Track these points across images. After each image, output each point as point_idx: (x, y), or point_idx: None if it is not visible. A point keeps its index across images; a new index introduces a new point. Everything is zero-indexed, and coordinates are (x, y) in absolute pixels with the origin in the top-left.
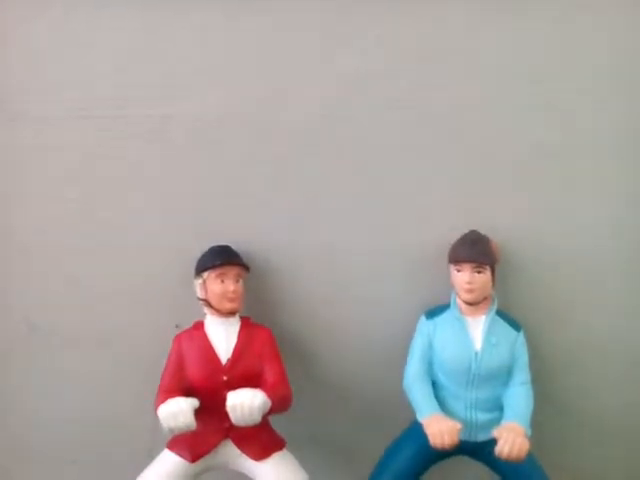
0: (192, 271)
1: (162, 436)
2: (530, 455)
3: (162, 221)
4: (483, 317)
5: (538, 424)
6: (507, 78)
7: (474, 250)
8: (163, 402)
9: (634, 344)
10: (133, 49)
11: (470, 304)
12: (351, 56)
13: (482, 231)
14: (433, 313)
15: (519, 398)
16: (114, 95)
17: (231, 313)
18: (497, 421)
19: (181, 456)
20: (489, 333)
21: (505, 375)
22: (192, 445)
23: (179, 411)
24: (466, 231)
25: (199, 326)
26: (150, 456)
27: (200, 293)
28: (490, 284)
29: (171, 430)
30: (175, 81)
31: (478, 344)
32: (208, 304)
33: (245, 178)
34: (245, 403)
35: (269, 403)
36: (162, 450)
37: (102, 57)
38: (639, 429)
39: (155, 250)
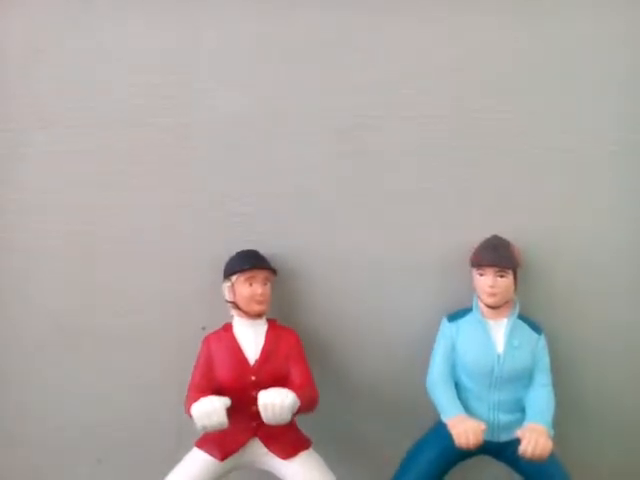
0: (218, 275)
1: (188, 436)
2: (552, 455)
3: (190, 230)
4: (505, 320)
5: (559, 424)
6: (523, 82)
7: (497, 255)
8: (195, 401)
9: None
10: (149, 54)
11: (492, 307)
12: (365, 64)
13: (502, 235)
14: (455, 316)
15: (541, 400)
16: (135, 102)
17: (259, 315)
18: (519, 422)
19: (210, 454)
20: (511, 336)
21: (527, 377)
22: (221, 444)
23: (213, 410)
24: (487, 235)
25: (228, 328)
26: (177, 457)
27: (228, 296)
28: (512, 288)
29: (204, 428)
30: (194, 86)
31: (500, 347)
32: (236, 306)
33: (265, 187)
34: (276, 402)
35: (298, 403)
36: (189, 450)
37: (120, 63)
38: None
39: (182, 255)
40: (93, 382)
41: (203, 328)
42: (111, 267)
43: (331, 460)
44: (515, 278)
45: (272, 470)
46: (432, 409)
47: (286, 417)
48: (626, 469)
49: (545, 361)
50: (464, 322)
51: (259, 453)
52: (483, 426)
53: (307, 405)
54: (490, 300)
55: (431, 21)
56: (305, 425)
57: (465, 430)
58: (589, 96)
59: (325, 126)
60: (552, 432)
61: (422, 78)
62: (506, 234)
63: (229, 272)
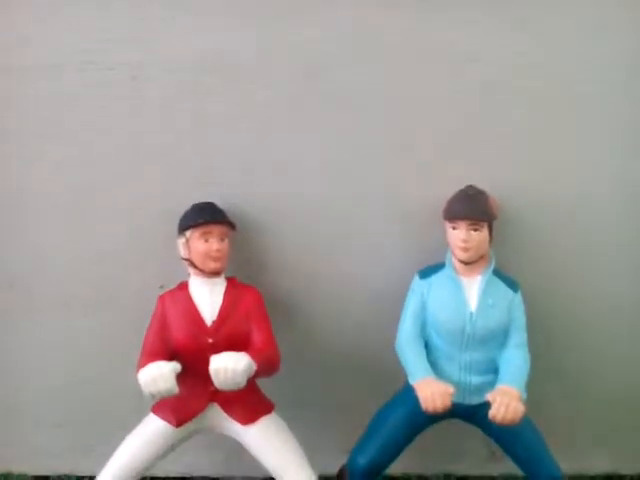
0: (174, 231)
1: (145, 400)
2: (526, 418)
3: (145, 179)
4: (479, 277)
5: (535, 386)
6: (503, 29)
7: (470, 206)
8: (145, 366)
9: (634, 301)
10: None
11: (466, 263)
12: (338, 6)
13: (482, 187)
14: (427, 273)
15: (515, 360)
16: (91, 46)
17: (216, 273)
18: (491, 384)
19: (166, 420)
20: (485, 294)
21: (501, 337)
22: (177, 409)
23: (159, 375)
24: (462, 187)
25: (183, 287)
26: (137, 419)
27: (183, 252)
28: (487, 242)
29: (152, 395)
30: (156, 28)
31: (473, 305)
32: (192, 264)
33: (230, 132)
34: (229, 367)
35: (254, 366)
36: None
37: (76, 7)
38: (634, 386)
39: (138, 209)
40: (47, 344)
41: (161, 287)
42: (62, 223)
43: (297, 424)
44: (491, 232)
45: (233, 435)
46: (402, 370)
47: (240, 382)
48: (608, 429)
49: (521, 320)
50: (436, 278)
51: (218, 418)
52: (451, 389)
53: (266, 368)
54: (463, 255)
55: None
56: (268, 388)
57: (432, 393)
58: (586, 43)
59: (290, 70)
60: (525, 395)
61: (402, 22)
62: (482, 184)
63: (183, 227)
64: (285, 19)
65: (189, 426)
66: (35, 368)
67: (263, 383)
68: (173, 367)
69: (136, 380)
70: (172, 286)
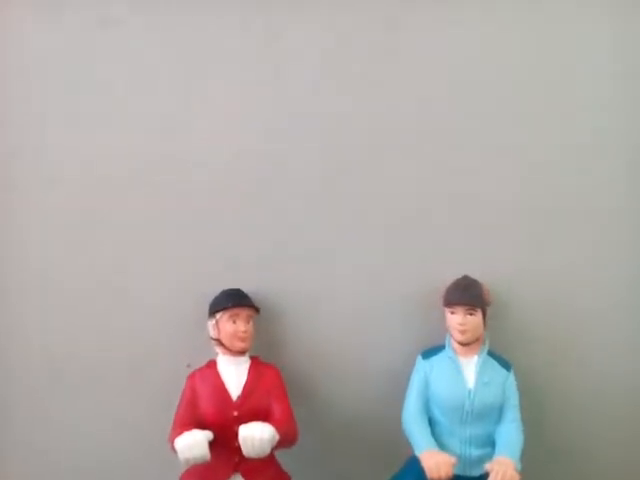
0: (203, 314)
1: (173, 471)
2: None
3: (176, 266)
4: (475, 357)
5: (530, 460)
6: (506, 123)
7: (466, 294)
8: (179, 435)
9: (626, 385)
10: (137, 93)
11: (463, 344)
12: (348, 102)
13: (478, 274)
14: (429, 353)
15: (510, 434)
16: (116, 140)
17: (242, 352)
18: (489, 456)
19: None
20: (481, 372)
21: (497, 412)
22: (204, 478)
23: (194, 443)
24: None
25: (211, 365)
26: None
27: (213, 333)
28: (482, 326)
29: (187, 461)
30: (178, 126)
31: (471, 383)
32: (220, 343)
33: (252, 229)
34: (256, 435)
35: (277, 436)
36: None
37: (111, 100)
38: (630, 468)
39: (169, 295)
40: (78, 417)
41: (188, 366)
42: (95, 306)
43: None
44: (484, 316)
45: None
46: (408, 443)
47: (265, 450)
48: None
49: (514, 397)
50: (437, 359)
51: None
52: (454, 460)
53: (286, 439)
54: (461, 337)
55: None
56: (284, 460)
57: (436, 463)
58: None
59: (306, 172)
60: (520, 466)
61: (407, 116)
62: (482, 273)
63: (213, 310)
64: (300, 131)
65: None
66: (65, 445)
67: (278, 456)
68: (206, 435)
69: (161, 453)
70: (198, 365)
